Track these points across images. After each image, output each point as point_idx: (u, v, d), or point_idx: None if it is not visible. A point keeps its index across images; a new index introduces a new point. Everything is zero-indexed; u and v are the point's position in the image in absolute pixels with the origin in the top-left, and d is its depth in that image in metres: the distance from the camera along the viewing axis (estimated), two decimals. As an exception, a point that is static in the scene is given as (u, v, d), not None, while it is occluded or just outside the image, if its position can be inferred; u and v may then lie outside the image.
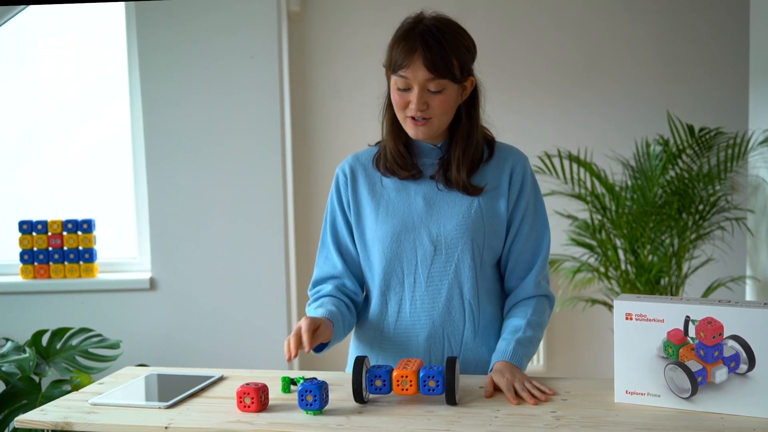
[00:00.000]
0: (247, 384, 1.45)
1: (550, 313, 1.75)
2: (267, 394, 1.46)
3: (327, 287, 1.75)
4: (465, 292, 1.67)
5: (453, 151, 1.68)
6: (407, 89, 1.61)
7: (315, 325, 1.54)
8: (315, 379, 1.47)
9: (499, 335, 1.71)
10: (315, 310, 1.67)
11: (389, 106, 1.70)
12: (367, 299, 1.77)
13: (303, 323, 1.53)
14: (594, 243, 3.49)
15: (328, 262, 1.77)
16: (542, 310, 1.71)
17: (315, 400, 1.42)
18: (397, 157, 1.70)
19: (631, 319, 1.43)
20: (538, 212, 1.73)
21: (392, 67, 1.62)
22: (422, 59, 1.57)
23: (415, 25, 1.62)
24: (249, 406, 1.43)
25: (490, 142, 1.74)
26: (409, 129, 1.65)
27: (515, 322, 1.67)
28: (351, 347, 1.82)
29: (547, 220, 1.76)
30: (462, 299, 1.68)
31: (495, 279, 1.74)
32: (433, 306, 1.68)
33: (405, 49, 1.59)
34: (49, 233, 3.42)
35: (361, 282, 1.78)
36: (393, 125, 1.70)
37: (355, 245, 1.75)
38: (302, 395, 1.42)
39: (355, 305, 1.77)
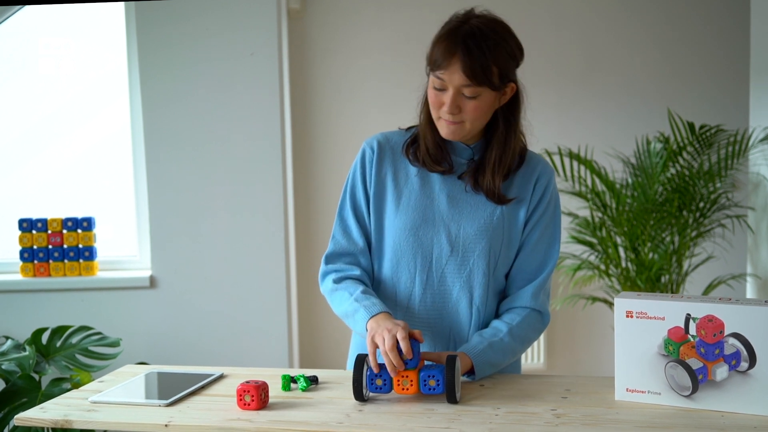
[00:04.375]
0: (247, 382, 1.45)
1: (540, 330, 1.68)
2: (267, 392, 1.46)
3: (354, 270, 1.69)
4: (475, 297, 1.65)
5: (488, 157, 1.64)
6: (443, 89, 1.58)
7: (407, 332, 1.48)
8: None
9: None
10: (373, 303, 1.58)
11: (426, 99, 1.66)
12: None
13: (401, 333, 1.46)
14: (594, 240, 3.49)
15: (347, 236, 1.71)
16: (531, 324, 1.66)
17: (411, 358, 1.46)
18: (433, 149, 1.66)
19: (631, 316, 1.42)
20: (552, 227, 1.69)
21: (431, 64, 1.58)
22: (460, 64, 1.53)
23: (460, 25, 1.57)
24: (249, 404, 1.43)
25: (522, 151, 1.69)
26: (441, 128, 1.62)
27: (498, 325, 1.63)
28: (352, 343, 1.80)
29: (559, 239, 1.71)
30: (471, 303, 1.65)
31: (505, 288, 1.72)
32: (443, 306, 1.66)
33: (445, 49, 1.55)
34: (49, 231, 3.42)
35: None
36: (429, 119, 1.66)
37: (370, 222, 1.71)
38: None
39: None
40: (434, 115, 1.62)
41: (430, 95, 1.61)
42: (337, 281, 1.69)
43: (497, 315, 1.70)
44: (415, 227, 1.65)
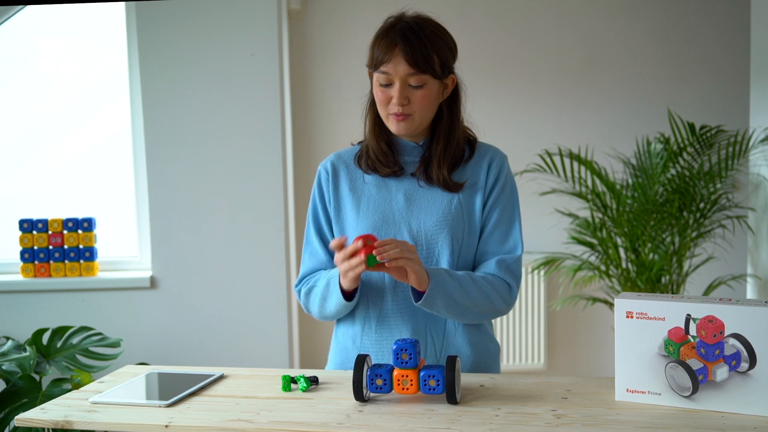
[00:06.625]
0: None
1: (505, 298, 1.68)
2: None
3: (319, 275, 1.75)
4: None
5: (434, 148, 1.71)
6: (389, 84, 1.65)
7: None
8: (408, 338, 1.49)
9: (479, 329, 1.72)
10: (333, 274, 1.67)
11: (372, 105, 1.74)
12: None
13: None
14: (595, 241, 3.49)
15: (313, 257, 1.78)
16: (494, 284, 1.66)
17: (410, 358, 1.45)
18: (379, 154, 1.72)
19: (632, 317, 1.43)
20: (511, 208, 1.73)
21: (374, 63, 1.67)
22: (403, 54, 1.61)
23: (396, 23, 1.66)
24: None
25: (471, 142, 1.76)
26: (391, 125, 1.68)
27: (459, 272, 1.66)
28: (332, 345, 1.82)
29: (519, 221, 1.74)
30: None
31: None
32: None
33: (386, 45, 1.63)
34: (50, 232, 3.43)
35: None
36: (375, 124, 1.74)
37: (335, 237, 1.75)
38: (398, 354, 1.45)
39: None
40: (383, 114, 1.69)
41: (377, 94, 1.68)
42: (307, 292, 1.75)
43: None
44: (376, 228, 1.69)
